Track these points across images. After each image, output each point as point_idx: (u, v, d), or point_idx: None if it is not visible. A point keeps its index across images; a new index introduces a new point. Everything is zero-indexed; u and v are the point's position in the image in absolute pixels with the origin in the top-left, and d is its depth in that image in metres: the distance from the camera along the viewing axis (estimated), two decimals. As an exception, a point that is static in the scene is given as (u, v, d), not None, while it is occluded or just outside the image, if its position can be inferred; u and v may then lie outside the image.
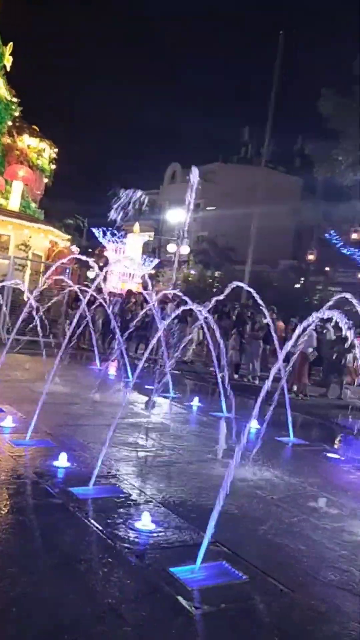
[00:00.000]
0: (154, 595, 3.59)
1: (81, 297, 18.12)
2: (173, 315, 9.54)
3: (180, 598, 3.56)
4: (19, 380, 10.70)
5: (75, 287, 13.77)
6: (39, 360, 13.53)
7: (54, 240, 21.84)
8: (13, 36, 22.77)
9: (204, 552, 3.95)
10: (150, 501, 5.19)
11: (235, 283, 8.27)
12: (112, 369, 12.81)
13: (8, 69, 22.94)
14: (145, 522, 4.58)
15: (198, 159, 50.39)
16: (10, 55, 22.88)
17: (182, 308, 8.42)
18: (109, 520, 4.61)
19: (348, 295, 5.54)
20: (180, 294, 11.44)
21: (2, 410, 7.69)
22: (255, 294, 8.15)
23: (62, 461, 5.74)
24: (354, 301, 5.43)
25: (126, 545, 4.21)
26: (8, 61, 22.87)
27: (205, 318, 8.75)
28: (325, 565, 4.40)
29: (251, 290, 8.46)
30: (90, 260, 12.33)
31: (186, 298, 8.59)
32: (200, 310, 8.41)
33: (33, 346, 15.85)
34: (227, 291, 8.11)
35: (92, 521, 4.54)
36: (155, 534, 4.48)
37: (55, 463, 5.74)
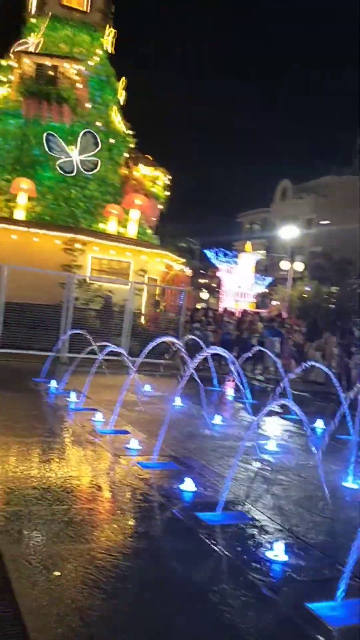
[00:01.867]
0: (293, 633, 3.40)
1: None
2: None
3: (321, 639, 3.34)
4: (140, 400, 10.92)
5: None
6: (158, 381, 13.81)
7: (169, 264, 22.35)
8: (124, 71, 23.87)
9: (344, 587, 3.70)
10: (281, 530, 4.99)
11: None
12: (230, 389, 12.71)
13: (122, 103, 24.09)
14: (277, 552, 4.40)
15: (309, 174, 49.56)
16: (123, 89, 24.04)
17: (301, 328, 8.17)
18: (239, 549, 4.48)
19: None
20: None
21: (126, 432, 7.86)
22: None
23: (188, 485, 5.71)
24: None
25: (259, 577, 4.05)
26: (122, 96, 24.03)
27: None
28: None
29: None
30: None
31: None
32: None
33: (152, 367, 16.25)
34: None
35: (223, 549, 4.44)
36: (288, 566, 4.28)
37: (182, 486, 5.72)
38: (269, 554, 4.39)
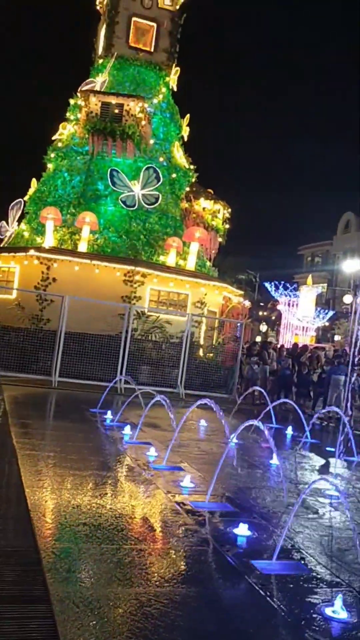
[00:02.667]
0: None
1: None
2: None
3: None
4: (194, 438, 10.74)
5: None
6: (212, 417, 13.59)
7: (227, 296, 22.26)
8: (187, 107, 24.36)
9: None
10: (341, 584, 4.68)
11: None
12: (289, 427, 12.33)
13: (185, 138, 24.55)
14: (337, 608, 4.10)
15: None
16: (187, 125, 24.52)
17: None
18: (295, 603, 4.21)
19: None
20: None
21: (180, 469, 7.70)
22: None
23: (243, 529, 5.47)
24: None
25: (317, 636, 3.77)
26: (185, 132, 24.50)
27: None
28: None
29: None
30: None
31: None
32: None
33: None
34: None
35: (278, 602, 4.18)
36: (349, 624, 3.98)
37: (236, 530, 5.49)
38: (328, 611, 4.10)
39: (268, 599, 4.22)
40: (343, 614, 4.07)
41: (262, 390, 13.97)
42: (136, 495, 6.53)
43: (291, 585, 4.54)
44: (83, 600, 3.85)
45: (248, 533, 5.47)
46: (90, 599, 3.87)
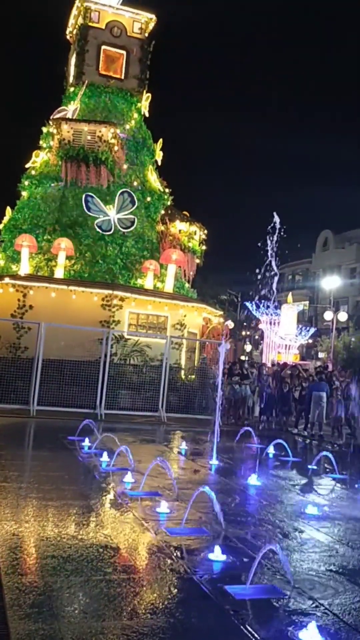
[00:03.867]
0: None
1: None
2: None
3: None
4: (174, 458, 10.57)
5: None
6: (195, 437, 13.42)
7: (207, 317, 22.24)
8: (162, 128, 24.59)
9: None
10: (317, 606, 4.53)
11: None
12: (271, 447, 12.18)
13: (159, 163, 24.74)
14: (311, 634, 3.96)
15: (350, 222, 49.41)
16: (160, 150, 24.73)
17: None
18: (269, 628, 4.06)
19: None
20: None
21: (158, 494, 7.52)
22: None
23: (217, 554, 5.32)
24: None
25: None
26: (159, 156, 24.70)
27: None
28: None
29: None
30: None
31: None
32: None
33: (188, 423, 15.89)
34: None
35: (250, 629, 4.03)
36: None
37: (210, 556, 5.33)
38: (303, 635, 3.95)
39: (242, 627, 4.07)
40: (317, 639, 3.93)
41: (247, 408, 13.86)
42: (110, 523, 6.34)
43: (265, 611, 4.39)
44: (46, 635, 3.67)
45: (223, 557, 5.32)
46: (56, 633, 3.70)
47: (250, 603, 4.48)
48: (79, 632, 3.77)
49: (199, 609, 4.38)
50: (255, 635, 3.96)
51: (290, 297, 37.78)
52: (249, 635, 3.96)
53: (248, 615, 4.28)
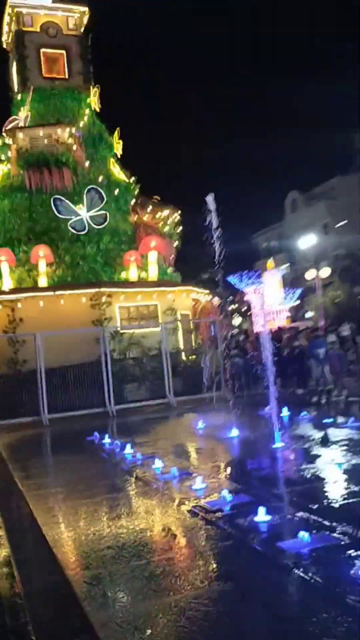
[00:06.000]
0: None
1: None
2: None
3: None
4: (194, 437, 10.76)
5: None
6: (209, 415, 13.63)
7: (196, 297, 22.39)
8: (116, 119, 24.43)
9: None
10: (368, 543, 4.75)
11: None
12: (284, 410, 12.37)
13: (120, 153, 24.67)
14: (367, 567, 4.17)
15: (315, 180, 49.61)
16: (119, 140, 24.65)
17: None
18: (329, 573, 4.27)
19: None
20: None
21: (189, 473, 7.70)
22: None
23: (262, 515, 5.52)
24: None
25: (356, 598, 3.83)
26: (118, 148, 24.63)
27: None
28: None
29: None
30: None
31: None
32: None
33: (198, 402, 16.09)
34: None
35: (313, 576, 4.23)
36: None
37: (256, 518, 5.53)
38: (361, 572, 4.16)
39: (302, 575, 4.27)
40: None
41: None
42: (151, 508, 6.51)
43: (321, 558, 4.59)
44: (124, 620, 3.84)
45: (268, 518, 5.51)
46: (132, 617, 3.88)
47: (306, 553, 4.69)
48: (154, 609, 3.94)
49: (258, 568, 4.57)
50: (319, 580, 4.15)
51: (271, 262, 37.92)
52: (314, 581, 4.15)
53: (307, 564, 4.48)
